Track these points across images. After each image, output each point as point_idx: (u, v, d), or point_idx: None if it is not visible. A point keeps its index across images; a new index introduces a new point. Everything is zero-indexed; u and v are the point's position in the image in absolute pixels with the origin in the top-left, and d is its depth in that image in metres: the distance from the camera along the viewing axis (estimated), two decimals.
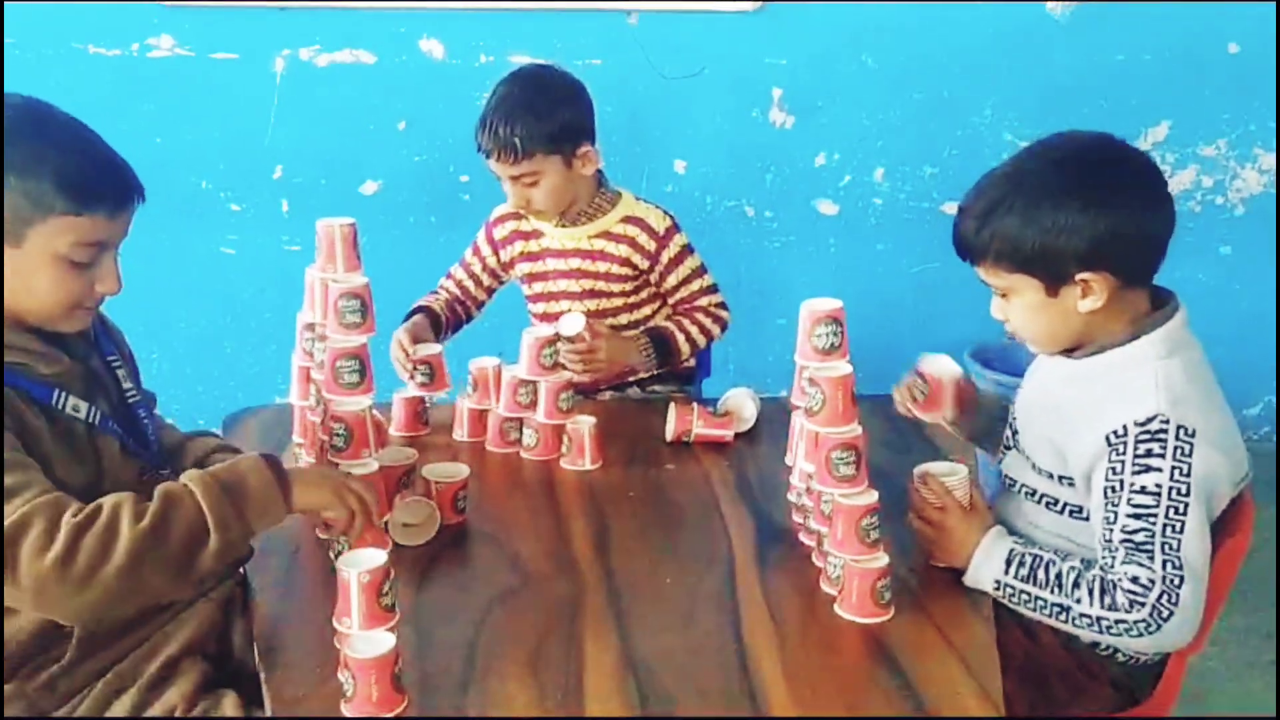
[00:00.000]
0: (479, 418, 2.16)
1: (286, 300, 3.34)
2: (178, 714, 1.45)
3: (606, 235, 2.36)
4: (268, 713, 1.37)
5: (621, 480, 2.01)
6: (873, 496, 1.58)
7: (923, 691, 1.43)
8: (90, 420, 1.48)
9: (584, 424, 2.05)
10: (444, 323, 2.39)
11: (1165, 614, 1.48)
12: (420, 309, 2.38)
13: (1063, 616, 1.55)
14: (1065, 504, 1.65)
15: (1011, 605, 1.60)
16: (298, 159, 3.35)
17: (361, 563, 1.37)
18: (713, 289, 2.41)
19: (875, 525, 1.58)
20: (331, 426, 1.67)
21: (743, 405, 2.20)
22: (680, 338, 2.36)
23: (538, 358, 2.06)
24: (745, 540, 1.79)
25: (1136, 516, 1.50)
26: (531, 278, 2.44)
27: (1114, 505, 1.52)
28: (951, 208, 3.46)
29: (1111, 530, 1.52)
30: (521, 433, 2.11)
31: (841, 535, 1.57)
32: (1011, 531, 1.67)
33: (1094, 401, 1.57)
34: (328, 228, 1.74)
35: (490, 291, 2.51)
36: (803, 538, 1.77)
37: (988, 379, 3.17)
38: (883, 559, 1.57)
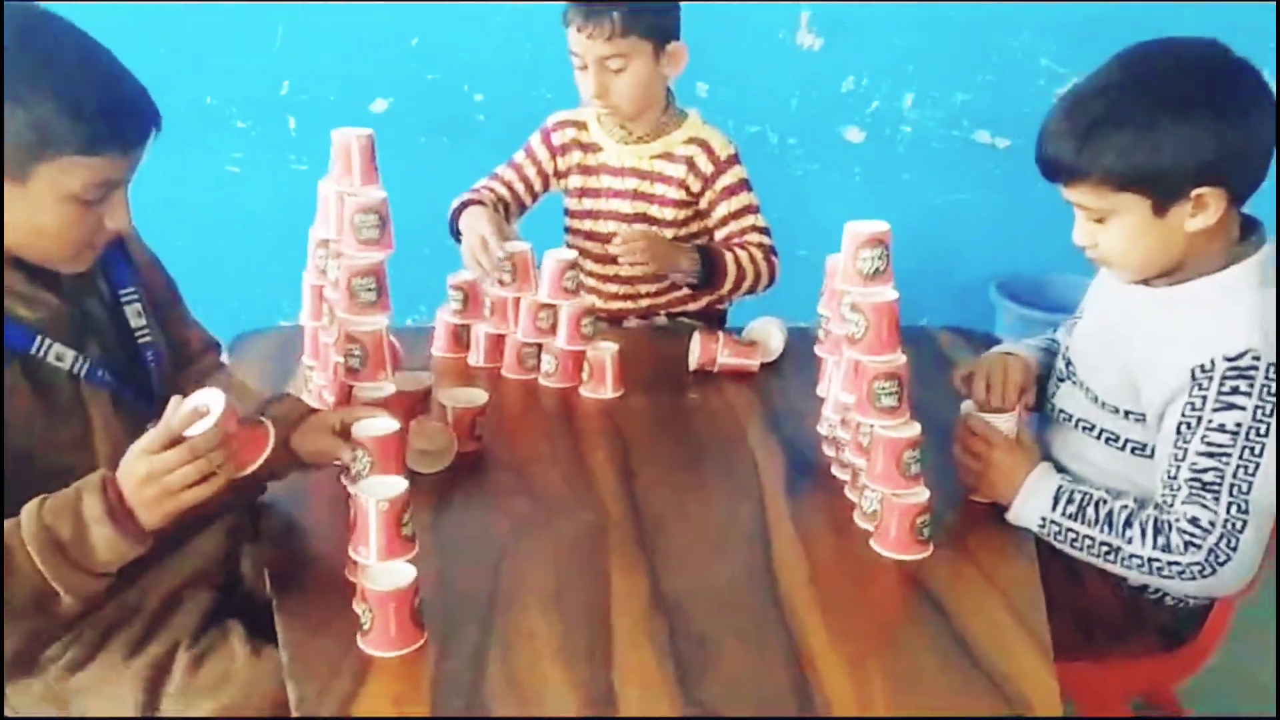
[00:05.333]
0: (496, 343, 2.08)
1: (293, 221, 3.24)
2: (181, 649, 1.38)
3: (667, 156, 2.25)
4: (280, 646, 1.30)
5: (644, 409, 1.93)
6: (915, 429, 1.51)
7: (964, 630, 1.37)
8: (75, 370, 1.36)
9: (605, 351, 1.97)
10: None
11: (1222, 558, 1.41)
12: (472, 202, 2.21)
13: (1111, 557, 1.49)
14: (1127, 440, 1.57)
15: (1056, 544, 1.53)
16: (306, 75, 3.22)
17: (380, 490, 1.30)
18: (766, 232, 2.26)
19: (916, 459, 1.50)
20: (347, 348, 1.59)
21: (769, 334, 2.13)
22: (729, 258, 2.19)
23: (560, 281, 1.97)
24: (775, 473, 1.72)
25: (1209, 454, 1.42)
26: (582, 193, 2.32)
27: (1185, 441, 1.44)
28: (984, 136, 3.42)
29: (1179, 467, 1.45)
30: (540, 359, 2.03)
31: (881, 468, 1.50)
32: (1058, 468, 1.60)
33: (1179, 332, 1.48)
34: (344, 138, 1.64)
35: (535, 198, 2.37)
36: (835, 472, 1.70)
37: (1014, 313, 3.09)
38: (923, 493, 1.50)
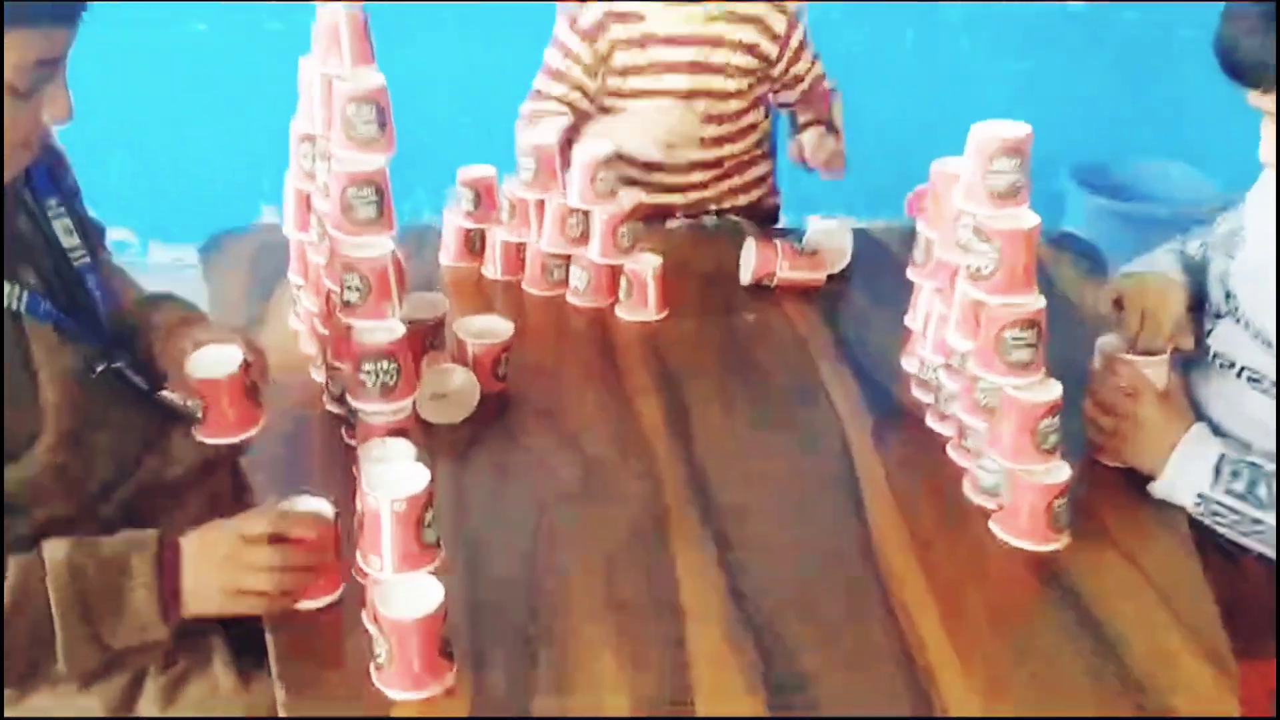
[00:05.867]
0: (515, 252, 1.76)
1: (271, 91, 2.88)
2: (150, 678, 1.12)
3: (729, 16, 1.90)
4: (274, 677, 1.02)
5: (692, 335, 1.63)
6: (1055, 390, 1.21)
7: (1110, 630, 1.12)
8: (14, 307, 1.09)
9: (646, 265, 1.66)
10: None
11: None
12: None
13: None
14: None
15: (1214, 525, 1.26)
16: None
17: (395, 483, 1.01)
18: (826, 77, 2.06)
19: (1055, 428, 1.21)
20: (343, 277, 1.27)
21: (834, 240, 1.81)
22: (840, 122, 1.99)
23: (593, 181, 1.64)
24: (857, 422, 1.44)
25: None
26: (628, 72, 1.93)
27: None
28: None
29: None
30: (569, 272, 1.72)
31: (1010, 438, 1.21)
32: (1213, 429, 1.31)
33: None
34: (330, 11, 1.29)
35: (596, 100, 1.96)
36: (933, 424, 1.42)
37: (1092, 205, 2.76)
38: (1063, 470, 1.21)
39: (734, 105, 1.96)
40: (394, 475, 1.04)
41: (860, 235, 1.89)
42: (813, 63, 2.03)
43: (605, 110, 1.96)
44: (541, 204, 1.69)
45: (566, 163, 1.69)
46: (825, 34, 2.82)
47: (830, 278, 1.77)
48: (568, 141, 1.78)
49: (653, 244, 1.73)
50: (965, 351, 1.28)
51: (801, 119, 2.04)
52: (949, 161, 1.35)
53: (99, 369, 1.16)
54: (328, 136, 1.34)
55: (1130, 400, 1.29)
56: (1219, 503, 1.24)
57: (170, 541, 1.07)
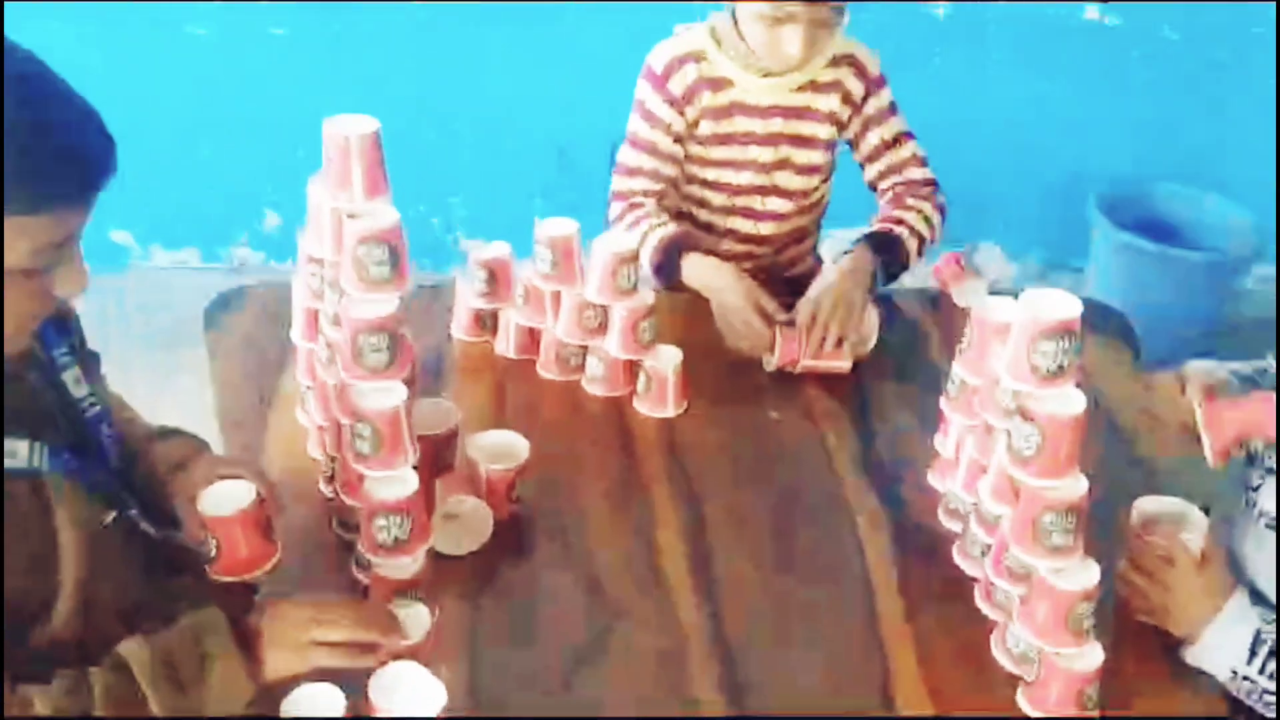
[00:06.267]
0: (530, 333, 1.70)
1: (272, 96, 2.80)
2: None
3: (813, 86, 1.81)
4: None
5: (714, 440, 1.58)
6: (1094, 575, 1.17)
7: None
8: (34, 464, 1.06)
9: (667, 363, 1.60)
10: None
11: None
12: (678, 239, 1.78)
13: None
14: None
15: (1247, 701, 1.22)
16: None
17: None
18: (926, 161, 1.88)
19: (1090, 611, 1.17)
20: (354, 426, 1.22)
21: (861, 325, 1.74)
22: (910, 245, 1.80)
23: (614, 278, 1.57)
24: (883, 557, 1.40)
25: None
26: (713, 140, 1.83)
27: None
28: (1093, 12, 2.91)
29: None
30: (585, 359, 1.66)
31: (1042, 619, 1.17)
32: (1249, 586, 1.27)
33: None
34: (338, 133, 1.22)
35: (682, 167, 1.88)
36: (960, 562, 1.37)
37: (1114, 241, 2.68)
38: (1097, 655, 1.17)
39: (816, 179, 1.89)
40: (406, 700, 1.01)
41: (887, 304, 1.84)
42: (901, 143, 1.86)
43: (690, 169, 1.88)
44: (558, 294, 1.63)
45: None
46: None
47: (857, 362, 1.72)
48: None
49: (672, 307, 1.68)
50: (1000, 514, 1.23)
51: (872, 223, 1.85)
52: (998, 307, 1.29)
53: (110, 518, 1.13)
54: (336, 264, 1.28)
55: (1167, 567, 1.24)
56: (1252, 680, 1.21)
57: (244, 625, 1.10)
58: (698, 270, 1.75)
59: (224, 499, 1.17)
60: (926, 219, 1.83)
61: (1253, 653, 1.21)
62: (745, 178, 1.85)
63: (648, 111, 1.81)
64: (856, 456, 1.56)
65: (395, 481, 1.22)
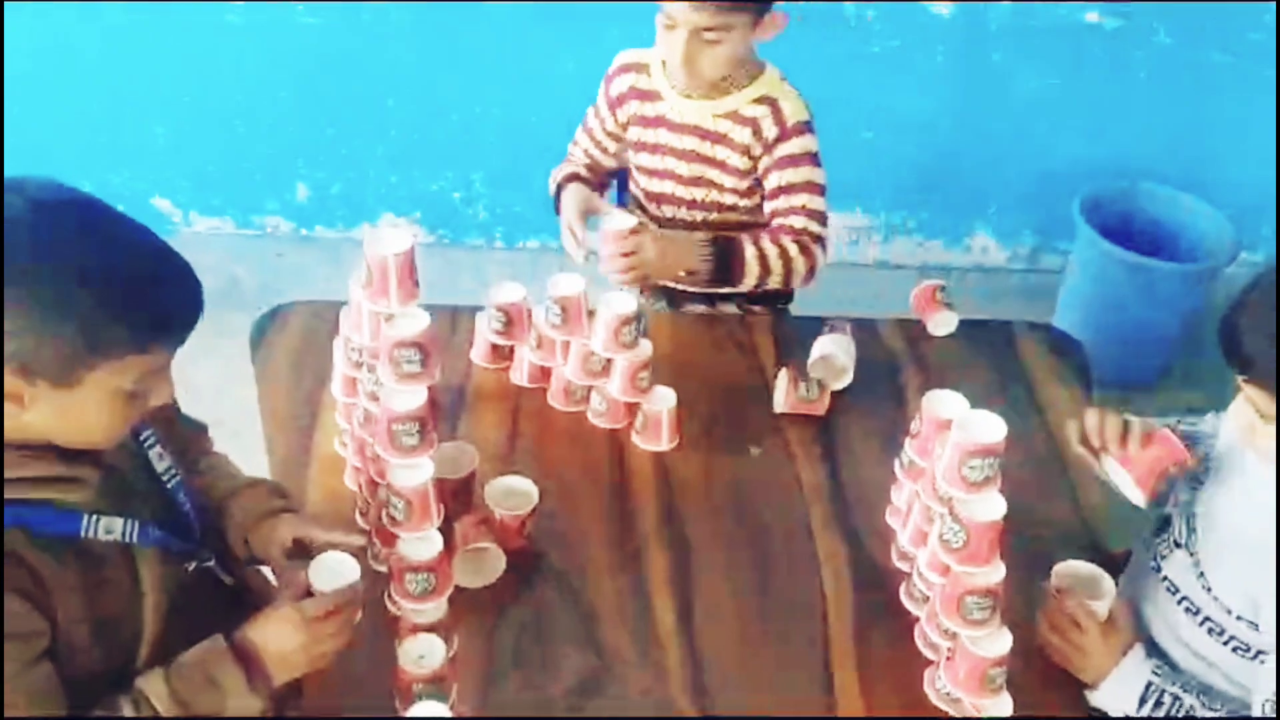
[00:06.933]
0: (541, 368, 1.90)
1: (302, 83, 2.94)
2: None
3: (734, 116, 1.97)
4: None
5: (701, 474, 1.79)
6: (1005, 643, 1.39)
7: None
8: (127, 539, 1.28)
9: (663, 404, 1.81)
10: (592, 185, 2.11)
11: None
12: (569, 177, 2.08)
13: None
14: (1232, 637, 1.46)
15: None
16: None
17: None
18: (818, 216, 1.99)
19: (1002, 674, 1.40)
20: (389, 497, 1.44)
21: (836, 358, 1.93)
22: (750, 253, 1.93)
23: (616, 335, 1.77)
24: (843, 601, 1.61)
25: None
26: (639, 147, 2.07)
27: None
28: (1094, 15, 2.99)
29: None
30: (590, 394, 1.87)
31: (964, 675, 1.40)
32: (1147, 638, 1.50)
33: None
34: (379, 255, 1.41)
35: (618, 157, 2.16)
36: (905, 600, 1.59)
37: (1096, 247, 2.82)
38: (1006, 706, 1.41)
39: (729, 199, 2.05)
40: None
41: (867, 334, 2.02)
42: (795, 191, 1.96)
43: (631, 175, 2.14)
44: (567, 343, 1.83)
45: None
46: (859, 39, 2.87)
47: (835, 394, 1.91)
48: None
49: (670, 329, 1.89)
50: (934, 584, 1.45)
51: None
52: (944, 402, 1.48)
53: (191, 567, 1.37)
54: (373, 350, 1.48)
55: (1077, 631, 1.47)
56: None
57: (242, 645, 1.28)
58: (564, 199, 2.03)
59: (329, 573, 1.36)
60: (783, 253, 1.94)
61: (1142, 700, 1.44)
62: (668, 187, 2.07)
63: (595, 105, 2.11)
64: (825, 492, 1.77)
65: (423, 542, 1.45)
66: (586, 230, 1.97)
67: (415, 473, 1.44)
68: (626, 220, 1.89)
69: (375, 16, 2.85)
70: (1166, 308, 2.81)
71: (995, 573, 1.37)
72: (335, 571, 1.35)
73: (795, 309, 2.28)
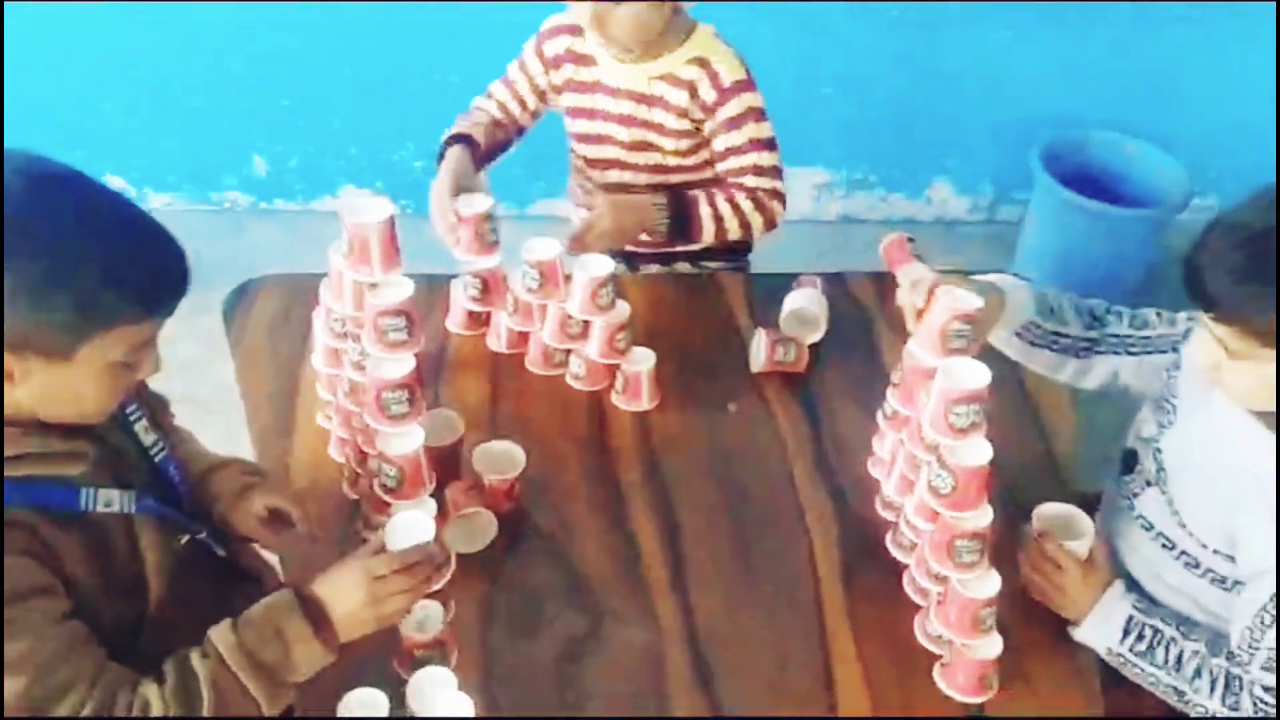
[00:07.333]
0: (519, 333, 1.90)
1: (256, 53, 2.89)
2: None
3: (669, 79, 1.96)
4: None
5: (682, 436, 1.80)
6: (994, 584, 1.42)
7: None
8: (125, 509, 1.28)
9: (642, 365, 1.82)
10: (482, 153, 2.00)
11: None
12: (459, 138, 1.96)
13: (1175, 699, 1.47)
14: (1208, 569, 1.51)
15: (1122, 672, 1.50)
16: None
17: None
18: (770, 172, 1.99)
19: (993, 613, 1.43)
20: (381, 466, 1.44)
21: (807, 311, 1.95)
22: (705, 212, 1.95)
23: (594, 298, 1.77)
24: (828, 547, 1.64)
25: None
26: (576, 113, 2.06)
27: (1275, 611, 1.38)
28: None
29: (1264, 631, 1.39)
30: (569, 358, 1.87)
31: (954, 617, 1.43)
32: (1125, 575, 1.54)
33: None
34: (359, 227, 1.40)
35: (535, 116, 2.12)
36: (892, 549, 1.62)
37: (1056, 197, 2.86)
38: (996, 646, 1.44)
39: (672, 161, 2.04)
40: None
41: (837, 289, 2.04)
42: (745, 151, 1.96)
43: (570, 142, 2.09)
44: (544, 306, 1.83)
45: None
46: None
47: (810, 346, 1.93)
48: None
49: (633, 289, 1.89)
50: (922, 529, 1.48)
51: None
52: (923, 352, 1.50)
53: (184, 539, 1.37)
54: (357, 320, 1.48)
55: (1058, 571, 1.50)
56: (1123, 656, 1.48)
57: (310, 598, 1.28)
58: (445, 161, 1.91)
59: (405, 533, 1.35)
60: (737, 210, 1.96)
61: (1125, 634, 1.48)
62: (610, 152, 2.05)
63: (521, 60, 2.07)
64: (806, 446, 1.79)
65: (416, 509, 1.45)
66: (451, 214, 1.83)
67: (406, 440, 1.44)
68: (485, 202, 1.81)
69: None
70: (1124, 252, 2.86)
71: (984, 516, 1.40)
72: (410, 531, 1.35)
73: (758, 266, 2.30)
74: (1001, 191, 3.27)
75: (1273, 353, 1.32)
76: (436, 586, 1.38)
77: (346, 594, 1.28)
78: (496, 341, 1.92)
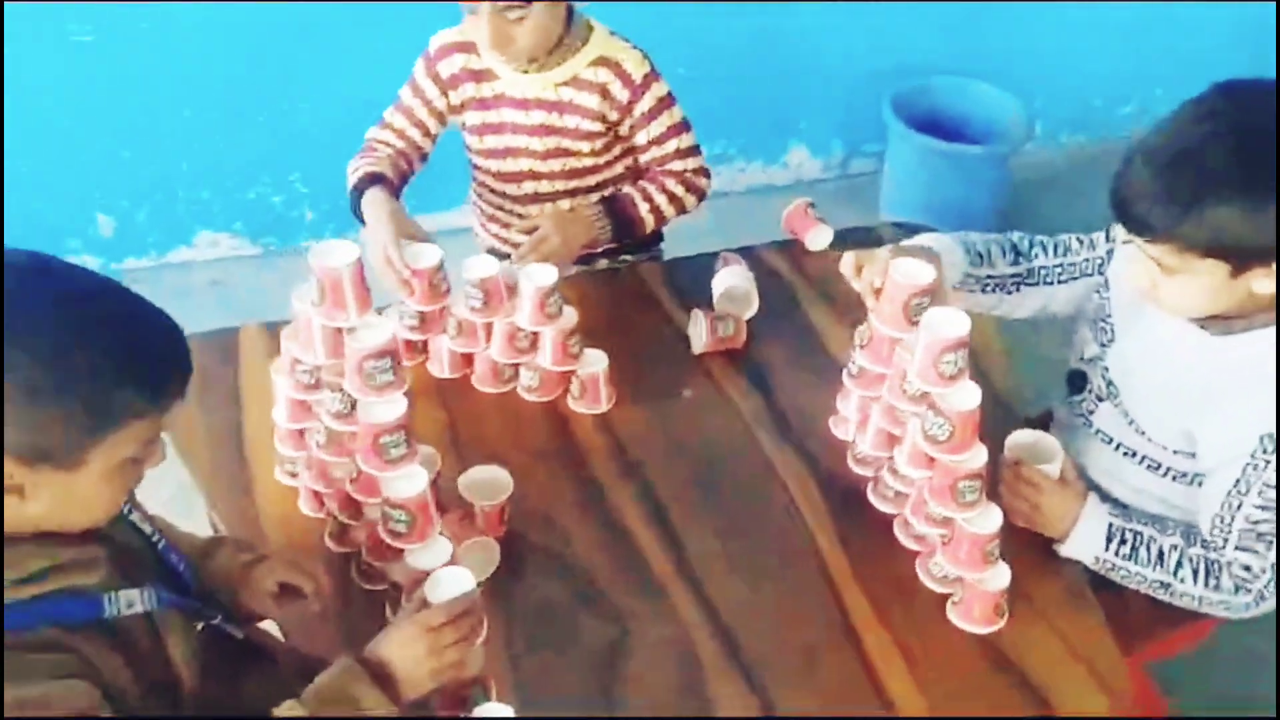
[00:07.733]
0: (463, 357, 1.87)
1: (84, 102, 2.72)
2: None
3: (575, 82, 1.96)
4: None
5: (646, 430, 1.81)
6: (998, 517, 1.50)
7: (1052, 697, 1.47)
8: (148, 608, 1.22)
9: (597, 367, 1.82)
10: (395, 189, 1.92)
11: (1268, 596, 1.53)
12: (372, 177, 1.88)
13: (1162, 592, 1.58)
14: (1169, 469, 1.62)
15: (1109, 577, 1.61)
16: None
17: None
18: (692, 151, 2.06)
19: (998, 545, 1.51)
20: (387, 511, 1.40)
21: (739, 288, 1.99)
22: (643, 208, 2.02)
23: (542, 308, 1.76)
24: (816, 510, 1.69)
25: (1264, 508, 1.49)
26: (482, 130, 2.03)
27: (1242, 493, 1.50)
28: None
29: (1233, 515, 1.51)
30: (518, 371, 1.85)
31: (965, 555, 1.50)
32: (1091, 481, 1.65)
33: (1245, 393, 1.48)
34: (330, 270, 1.36)
35: (435, 139, 2.07)
36: (875, 501, 1.68)
37: (911, 142, 2.99)
38: (1005, 576, 1.52)
39: (588, 162, 2.06)
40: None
41: (750, 262, 2.08)
42: (666, 139, 2.01)
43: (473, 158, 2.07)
44: (490, 324, 1.80)
45: None
46: None
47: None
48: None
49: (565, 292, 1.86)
50: (918, 477, 1.55)
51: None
52: (889, 329, 1.54)
53: (200, 626, 1.32)
54: (333, 368, 1.43)
55: (1035, 491, 1.59)
56: (1109, 561, 1.58)
57: (371, 661, 1.26)
58: (366, 206, 1.85)
59: (446, 587, 1.33)
60: (672, 197, 2.04)
61: (1108, 540, 1.58)
62: (524, 164, 2.04)
63: (415, 84, 2.02)
64: (763, 416, 1.83)
65: (431, 549, 1.42)
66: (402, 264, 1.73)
67: (411, 482, 1.41)
68: (436, 253, 1.75)
69: (154, 24, 2.66)
70: (979, 187, 3.03)
71: (980, 455, 1.47)
72: (450, 586, 1.33)
73: (666, 252, 2.33)
74: (851, 147, 3.39)
75: (1207, 262, 1.43)
76: (484, 633, 1.37)
77: (407, 650, 1.27)
78: (439, 368, 1.89)
